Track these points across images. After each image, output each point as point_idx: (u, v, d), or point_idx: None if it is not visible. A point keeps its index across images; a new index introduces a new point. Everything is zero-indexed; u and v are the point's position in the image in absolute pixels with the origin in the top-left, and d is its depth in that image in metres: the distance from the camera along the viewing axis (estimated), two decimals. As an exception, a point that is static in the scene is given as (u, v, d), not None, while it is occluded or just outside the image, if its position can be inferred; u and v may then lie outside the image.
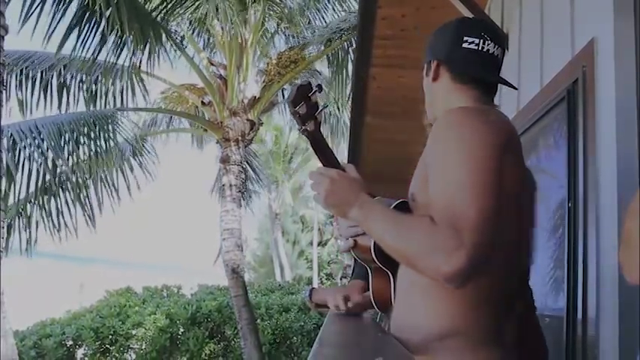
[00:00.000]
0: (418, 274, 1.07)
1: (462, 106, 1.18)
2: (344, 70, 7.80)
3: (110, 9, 5.43)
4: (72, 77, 6.93)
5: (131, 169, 7.05)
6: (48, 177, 5.77)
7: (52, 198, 6.09)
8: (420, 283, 1.10)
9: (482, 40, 1.21)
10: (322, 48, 7.99)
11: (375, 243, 1.21)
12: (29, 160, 5.68)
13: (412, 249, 1.00)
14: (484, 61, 1.21)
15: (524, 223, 1.17)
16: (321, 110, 1.15)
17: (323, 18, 8.35)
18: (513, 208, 1.08)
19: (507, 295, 1.12)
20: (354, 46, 5.81)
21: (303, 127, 1.13)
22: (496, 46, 1.22)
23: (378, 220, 1.07)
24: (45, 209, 6.10)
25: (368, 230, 1.11)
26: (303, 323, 8.79)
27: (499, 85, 1.29)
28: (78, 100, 6.94)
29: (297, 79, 9.04)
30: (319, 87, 1.15)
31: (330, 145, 1.19)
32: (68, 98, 6.87)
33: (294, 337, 8.72)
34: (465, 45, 1.21)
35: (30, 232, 6.07)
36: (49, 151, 5.75)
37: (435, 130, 1.11)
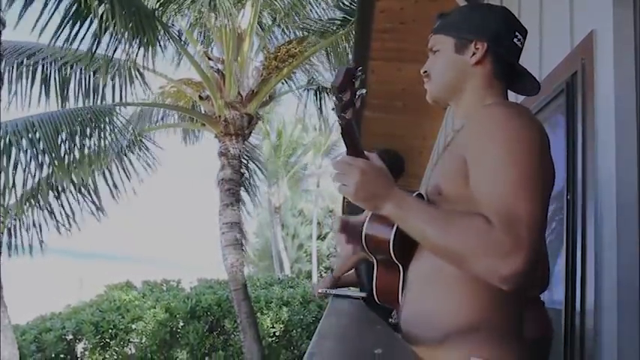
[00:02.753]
0: (439, 269, 1.06)
1: (497, 101, 1.17)
2: (343, 63, 7.77)
3: (105, 1, 5.40)
4: (68, 71, 6.89)
5: (130, 164, 7.06)
6: (44, 175, 5.76)
7: (50, 194, 6.09)
8: (442, 276, 1.08)
9: (523, 39, 1.21)
10: (320, 41, 7.97)
11: (394, 237, 1.16)
12: (26, 158, 5.67)
13: (466, 249, 0.95)
14: (518, 59, 1.22)
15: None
16: (360, 97, 1.05)
17: (323, 10, 8.31)
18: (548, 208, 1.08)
19: (530, 289, 1.14)
20: (353, 39, 5.80)
21: (343, 115, 1.04)
22: (523, 45, 1.23)
23: (420, 217, 1.01)
24: (43, 206, 6.10)
25: (407, 227, 1.04)
26: (302, 316, 8.82)
27: None
28: (76, 96, 6.91)
29: (295, 73, 9.04)
30: (361, 71, 1.06)
31: (357, 133, 1.09)
32: (65, 92, 6.85)
33: (294, 331, 8.74)
34: (514, 40, 1.20)
35: (32, 231, 6.08)
36: (46, 154, 5.72)
37: (479, 127, 1.08)
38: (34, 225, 6.16)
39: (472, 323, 1.05)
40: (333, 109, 1.04)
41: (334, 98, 1.03)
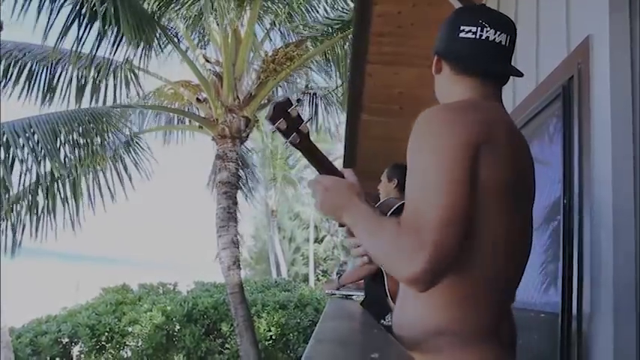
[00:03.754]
0: None
1: (457, 100, 1.17)
2: (340, 67, 7.79)
3: (105, 4, 5.41)
4: (66, 73, 6.89)
5: (125, 168, 7.04)
6: (41, 176, 5.74)
7: (46, 196, 6.07)
8: None
9: (479, 28, 1.17)
10: (318, 45, 7.98)
11: None
12: (22, 159, 5.65)
13: (382, 252, 1.02)
14: (482, 49, 1.17)
15: (517, 221, 1.11)
16: (306, 123, 1.19)
17: (318, 13, 8.33)
18: (498, 205, 1.05)
19: (500, 292, 1.10)
20: (351, 42, 5.81)
21: (287, 141, 1.18)
22: (498, 33, 1.17)
23: (360, 222, 1.09)
24: (39, 208, 6.08)
25: (355, 234, 1.12)
26: (299, 320, 8.81)
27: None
28: (73, 98, 6.90)
29: (293, 76, 9.05)
30: (299, 101, 1.21)
31: (321, 152, 1.23)
32: (61, 94, 6.84)
33: (291, 334, 8.73)
34: (461, 35, 1.18)
35: (25, 232, 6.05)
36: (43, 152, 5.70)
37: (412, 130, 1.11)
38: (33, 225, 6.12)
39: (439, 326, 1.07)
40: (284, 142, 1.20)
41: (273, 129, 1.17)
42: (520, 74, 1.25)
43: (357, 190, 1.14)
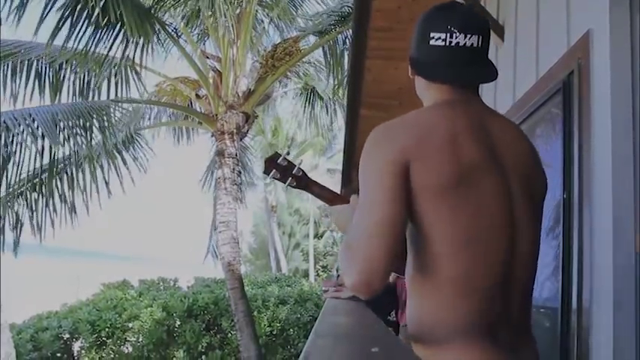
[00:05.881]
0: (409, 273, 1.17)
1: (431, 102, 1.22)
2: (339, 62, 7.77)
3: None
4: (65, 69, 6.87)
5: (124, 162, 7.04)
6: (42, 165, 5.73)
7: (45, 191, 6.07)
8: (408, 278, 1.18)
9: (448, 35, 1.16)
10: (317, 39, 7.96)
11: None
12: (22, 147, 5.63)
13: (340, 266, 1.14)
14: (453, 56, 1.17)
15: (479, 219, 1.08)
16: (296, 168, 1.46)
17: (317, 9, 8.32)
18: (441, 208, 1.07)
19: (478, 291, 1.07)
20: (350, 37, 5.79)
21: (286, 185, 1.46)
22: (468, 36, 1.16)
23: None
24: (37, 202, 6.08)
25: None
26: (299, 315, 8.82)
27: (497, 73, 1.23)
28: (73, 93, 6.88)
29: (292, 71, 9.04)
30: (288, 153, 1.48)
31: (321, 185, 1.49)
32: (61, 90, 6.82)
33: (291, 329, 8.75)
34: (431, 42, 1.18)
35: (25, 228, 6.05)
36: (45, 137, 5.67)
37: None
38: (32, 221, 6.12)
39: (423, 321, 1.12)
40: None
41: (269, 179, 1.53)
42: (492, 79, 1.23)
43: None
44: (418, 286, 1.14)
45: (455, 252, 1.07)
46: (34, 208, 6.12)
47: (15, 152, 5.59)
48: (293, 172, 1.45)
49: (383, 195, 1.06)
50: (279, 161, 1.44)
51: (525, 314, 1.16)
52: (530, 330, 1.18)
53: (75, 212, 6.32)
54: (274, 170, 1.44)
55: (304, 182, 1.47)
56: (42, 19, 5.45)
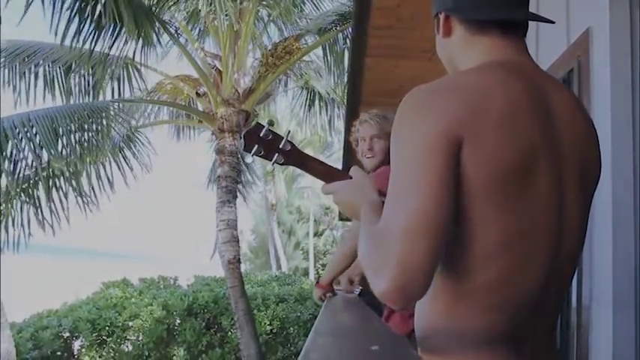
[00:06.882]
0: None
1: (474, 64, 0.99)
2: (340, 61, 7.77)
3: (104, -1, 5.38)
4: (64, 68, 6.87)
5: (125, 161, 7.04)
6: (41, 169, 5.74)
7: (45, 190, 6.07)
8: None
9: None
10: (317, 38, 7.95)
11: None
12: (21, 152, 5.64)
13: (364, 266, 0.89)
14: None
15: (523, 215, 0.89)
16: (284, 141, 1.14)
17: (317, 7, 8.31)
18: (491, 204, 0.87)
19: (518, 299, 0.93)
20: (350, 35, 5.79)
21: (272, 162, 1.15)
22: None
23: (362, 225, 0.97)
24: (38, 202, 6.08)
25: None
26: (299, 314, 8.83)
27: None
28: (73, 92, 6.89)
29: (292, 70, 9.04)
30: (270, 123, 1.15)
31: (317, 160, 1.19)
32: (61, 89, 6.82)
33: (291, 328, 8.75)
34: None
35: (23, 227, 6.05)
36: (43, 149, 5.69)
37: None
38: (29, 221, 6.13)
39: (430, 327, 0.98)
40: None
41: (251, 157, 1.14)
42: (551, 21, 1.07)
43: (369, 185, 1.07)
44: (444, 290, 0.94)
45: (496, 256, 0.89)
46: (34, 207, 6.12)
47: (12, 157, 5.60)
48: (280, 147, 1.14)
49: (428, 176, 0.82)
50: (261, 134, 1.13)
51: (553, 326, 1.04)
52: (555, 344, 1.06)
53: (72, 211, 6.32)
54: (257, 146, 1.13)
55: (295, 158, 1.16)
56: (52, 19, 5.44)
